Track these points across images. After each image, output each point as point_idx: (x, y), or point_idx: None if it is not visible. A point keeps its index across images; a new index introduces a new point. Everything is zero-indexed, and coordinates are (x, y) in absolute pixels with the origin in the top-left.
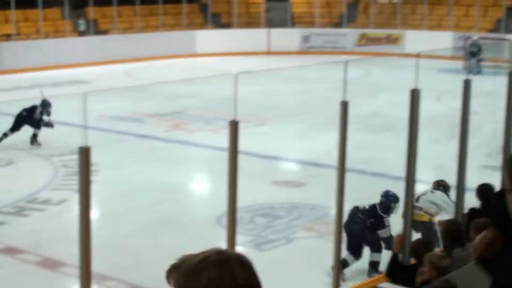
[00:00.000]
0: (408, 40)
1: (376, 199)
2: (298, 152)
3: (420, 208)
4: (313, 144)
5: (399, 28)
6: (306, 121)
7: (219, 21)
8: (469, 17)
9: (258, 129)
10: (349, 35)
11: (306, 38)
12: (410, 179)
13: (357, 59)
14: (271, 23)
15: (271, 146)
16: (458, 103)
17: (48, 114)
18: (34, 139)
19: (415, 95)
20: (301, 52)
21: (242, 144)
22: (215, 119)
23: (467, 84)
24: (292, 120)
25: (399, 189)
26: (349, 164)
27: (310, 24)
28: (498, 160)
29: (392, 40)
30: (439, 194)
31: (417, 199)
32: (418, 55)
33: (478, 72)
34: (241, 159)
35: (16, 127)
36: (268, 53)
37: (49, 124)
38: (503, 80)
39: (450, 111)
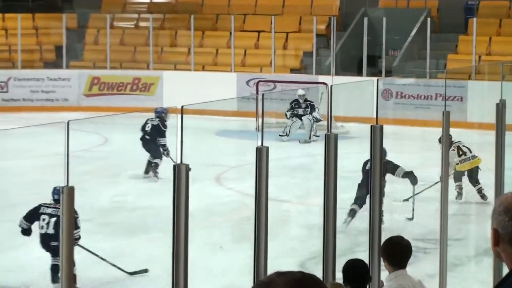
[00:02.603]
0: (167, 87)
1: None
2: None
3: (475, 156)
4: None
5: (153, 68)
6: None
7: None
8: (261, 49)
9: None
10: (72, 79)
11: (1, 86)
12: None
13: (86, 117)
14: None
15: None
16: (249, 184)
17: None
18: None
19: (181, 174)
20: None
21: None
22: None
23: (261, 154)
24: None
25: None
26: None
27: (8, 62)
28: (316, 271)
29: (142, 86)
30: None
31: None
32: (182, 111)
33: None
34: None
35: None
36: None
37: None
38: (319, 147)
39: (238, 197)
